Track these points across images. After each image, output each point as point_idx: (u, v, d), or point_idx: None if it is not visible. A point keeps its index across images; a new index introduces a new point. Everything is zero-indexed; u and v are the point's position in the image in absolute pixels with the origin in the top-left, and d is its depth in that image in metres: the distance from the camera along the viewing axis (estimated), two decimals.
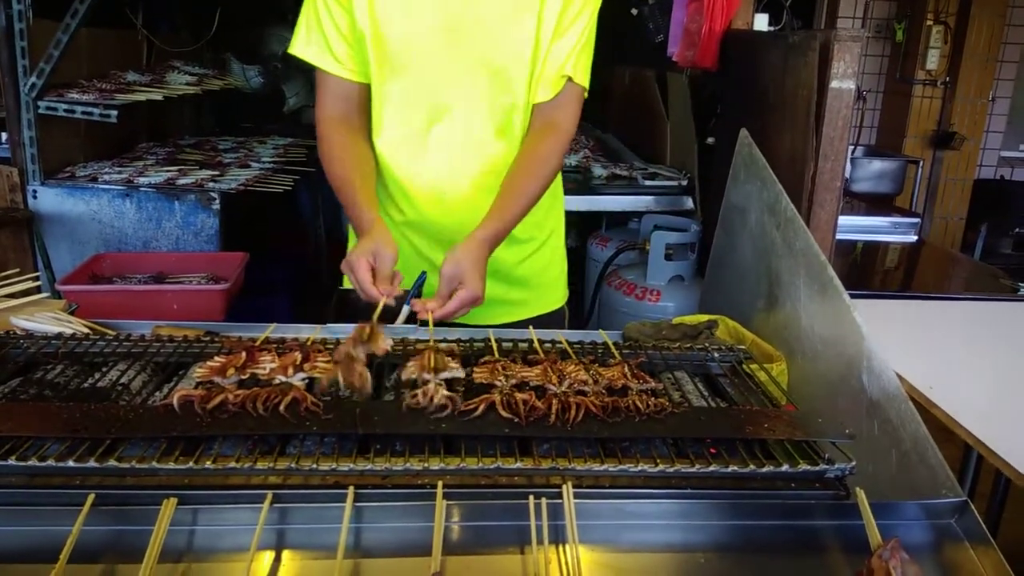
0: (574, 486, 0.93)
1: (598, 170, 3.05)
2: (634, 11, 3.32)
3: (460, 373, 1.16)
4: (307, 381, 1.12)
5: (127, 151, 3.19)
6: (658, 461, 0.99)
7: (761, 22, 2.71)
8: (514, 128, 1.54)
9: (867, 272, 2.90)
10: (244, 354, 1.14)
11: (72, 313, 1.49)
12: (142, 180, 2.70)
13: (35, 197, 2.62)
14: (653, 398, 1.11)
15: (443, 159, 1.54)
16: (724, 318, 1.62)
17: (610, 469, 0.98)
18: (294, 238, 3.87)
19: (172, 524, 0.87)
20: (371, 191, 1.49)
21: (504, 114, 1.52)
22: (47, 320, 1.33)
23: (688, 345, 1.39)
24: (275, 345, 1.25)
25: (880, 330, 1.25)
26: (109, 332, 1.35)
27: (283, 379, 1.10)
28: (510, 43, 1.47)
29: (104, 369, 1.19)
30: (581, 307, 2.99)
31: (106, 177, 2.70)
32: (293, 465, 0.96)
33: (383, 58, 1.48)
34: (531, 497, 0.91)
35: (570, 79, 1.50)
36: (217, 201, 2.66)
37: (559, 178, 1.73)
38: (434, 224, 1.59)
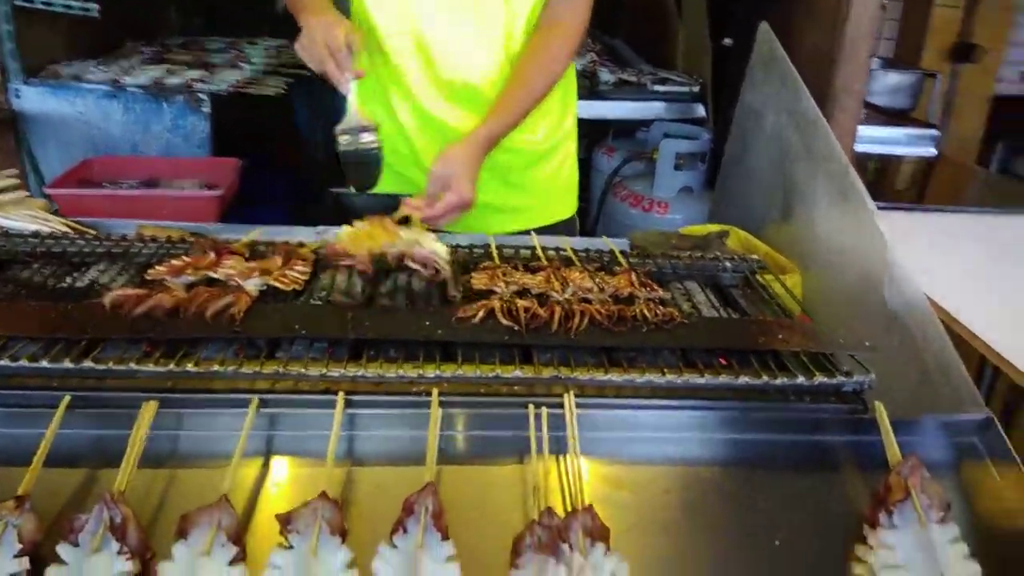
0: (576, 396, 0.88)
1: (605, 75, 2.90)
2: None
3: (442, 249, 1.16)
4: (264, 288, 1.06)
5: (111, 51, 3.05)
6: (665, 371, 0.93)
7: None
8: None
9: (883, 184, 2.80)
10: (212, 255, 1.07)
11: (55, 213, 1.42)
12: (128, 80, 2.58)
13: (18, 96, 2.51)
14: (661, 307, 1.05)
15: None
16: (735, 228, 1.55)
17: (614, 379, 0.93)
18: (289, 146, 3.74)
19: (155, 429, 0.83)
20: None
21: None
22: (24, 218, 1.25)
23: (699, 255, 1.32)
24: (262, 246, 1.19)
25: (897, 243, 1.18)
26: (90, 232, 1.28)
27: (238, 283, 1.03)
28: None
29: (83, 269, 1.13)
30: (585, 220, 2.90)
31: (91, 77, 2.58)
32: (280, 370, 0.91)
33: None
34: (531, 406, 0.86)
35: None
36: (207, 103, 2.55)
37: (573, 83, 1.65)
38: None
